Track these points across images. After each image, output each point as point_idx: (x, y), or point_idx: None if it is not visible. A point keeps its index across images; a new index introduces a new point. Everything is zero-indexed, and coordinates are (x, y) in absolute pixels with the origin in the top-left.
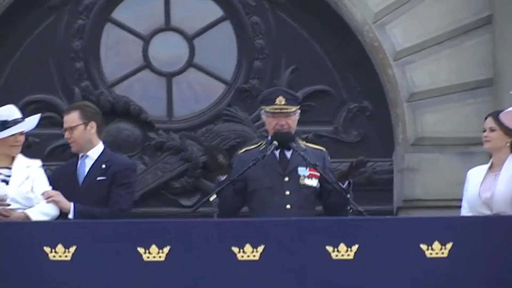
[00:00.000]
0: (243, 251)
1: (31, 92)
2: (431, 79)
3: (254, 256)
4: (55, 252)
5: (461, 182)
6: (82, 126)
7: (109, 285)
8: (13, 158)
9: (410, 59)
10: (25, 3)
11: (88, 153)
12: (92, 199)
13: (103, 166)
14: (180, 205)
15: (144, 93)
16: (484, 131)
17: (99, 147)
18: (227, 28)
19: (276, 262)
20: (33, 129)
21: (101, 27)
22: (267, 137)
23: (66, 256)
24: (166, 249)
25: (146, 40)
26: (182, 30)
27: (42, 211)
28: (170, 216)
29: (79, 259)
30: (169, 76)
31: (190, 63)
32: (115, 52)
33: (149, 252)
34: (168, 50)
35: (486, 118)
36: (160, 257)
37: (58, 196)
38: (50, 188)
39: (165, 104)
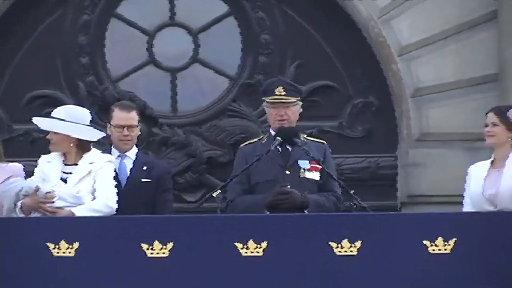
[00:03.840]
0: (247, 247)
1: (36, 87)
2: (437, 75)
3: (257, 252)
4: (58, 248)
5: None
6: (139, 127)
7: (113, 281)
8: (82, 154)
9: (416, 54)
10: None
11: (127, 153)
12: (136, 201)
13: (144, 168)
14: (184, 200)
15: (148, 89)
16: (486, 126)
17: (135, 148)
18: (232, 23)
19: (279, 258)
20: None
21: (106, 22)
22: (268, 130)
23: (69, 252)
24: (170, 245)
25: (151, 35)
26: (187, 25)
27: (91, 208)
28: (174, 211)
29: (83, 255)
30: (173, 72)
31: (194, 59)
32: (120, 48)
33: (152, 248)
34: (173, 46)
35: (487, 114)
36: (163, 253)
37: None
38: (113, 184)
39: (169, 100)
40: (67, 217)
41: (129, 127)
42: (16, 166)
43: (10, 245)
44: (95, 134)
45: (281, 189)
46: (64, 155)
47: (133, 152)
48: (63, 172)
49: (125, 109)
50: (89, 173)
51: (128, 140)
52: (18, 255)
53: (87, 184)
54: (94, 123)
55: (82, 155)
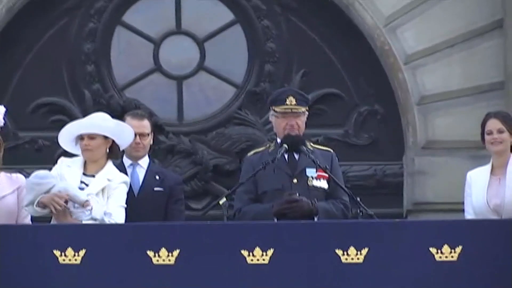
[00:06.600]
0: (253, 255)
1: (42, 95)
2: (442, 83)
3: (263, 259)
4: (65, 255)
5: None
6: (151, 134)
7: None
8: (102, 167)
9: (421, 62)
10: (37, 6)
11: (140, 162)
12: (149, 209)
13: (157, 177)
14: (190, 208)
15: (154, 96)
16: (489, 133)
17: (147, 157)
18: (238, 31)
19: (285, 265)
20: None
21: (112, 30)
22: (275, 139)
23: (75, 260)
24: (176, 253)
25: (157, 43)
26: (193, 33)
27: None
28: None
29: (89, 262)
30: (179, 79)
31: (200, 67)
32: (126, 55)
33: (158, 256)
34: (178, 54)
35: (486, 120)
36: (169, 260)
37: None
38: (124, 206)
39: (175, 107)
40: (74, 224)
41: (141, 135)
42: (22, 178)
43: (17, 252)
44: (131, 132)
45: (288, 197)
46: (84, 163)
47: (145, 161)
48: (81, 181)
49: (137, 117)
50: (102, 189)
51: (140, 148)
52: (25, 262)
53: (99, 199)
54: None
55: (104, 165)
